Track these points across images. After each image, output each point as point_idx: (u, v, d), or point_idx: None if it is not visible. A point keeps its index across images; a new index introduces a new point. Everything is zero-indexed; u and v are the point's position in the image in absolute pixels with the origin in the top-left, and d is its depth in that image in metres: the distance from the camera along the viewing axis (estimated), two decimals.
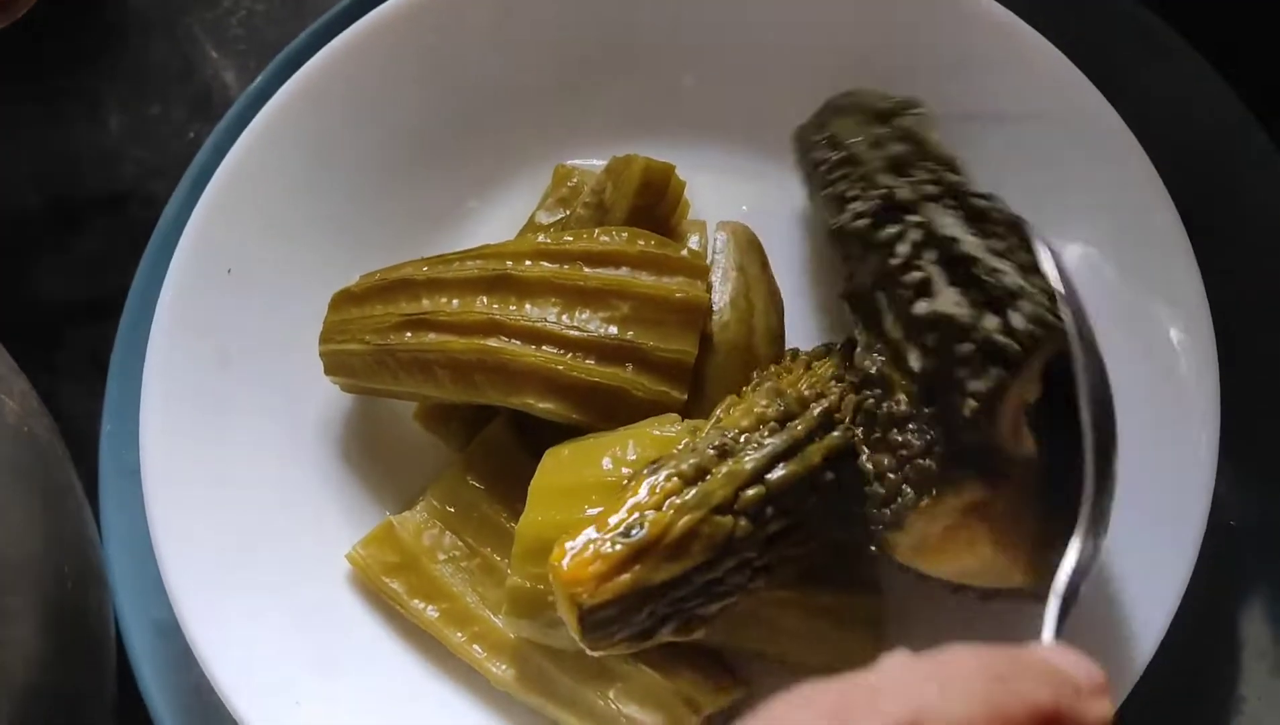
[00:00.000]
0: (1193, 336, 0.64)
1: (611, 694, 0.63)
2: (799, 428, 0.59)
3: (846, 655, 0.63)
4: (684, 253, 0.67)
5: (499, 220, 0.76)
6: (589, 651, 0.55)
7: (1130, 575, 0.61)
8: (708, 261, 0.68)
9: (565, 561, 0.54)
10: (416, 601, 0.67)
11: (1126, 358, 0.63)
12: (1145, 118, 0.67)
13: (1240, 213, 0.72)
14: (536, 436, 0.67)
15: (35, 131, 0.86)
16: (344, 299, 0.69)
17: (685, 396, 0.64)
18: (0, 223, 0.84)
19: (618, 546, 0.54)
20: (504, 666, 0.65)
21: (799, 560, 0.59)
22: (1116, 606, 0.61)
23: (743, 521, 0.56)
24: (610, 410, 0.64)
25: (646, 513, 0.55)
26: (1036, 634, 0.60)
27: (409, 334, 0.66)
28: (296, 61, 0.74)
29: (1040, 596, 0.59)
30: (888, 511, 0.57)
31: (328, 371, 0.69)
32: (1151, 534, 0.61)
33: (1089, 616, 0.60)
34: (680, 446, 0.59)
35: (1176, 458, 0.62)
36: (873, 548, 0.60)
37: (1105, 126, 0.67)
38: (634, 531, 0.55)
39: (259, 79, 0.79)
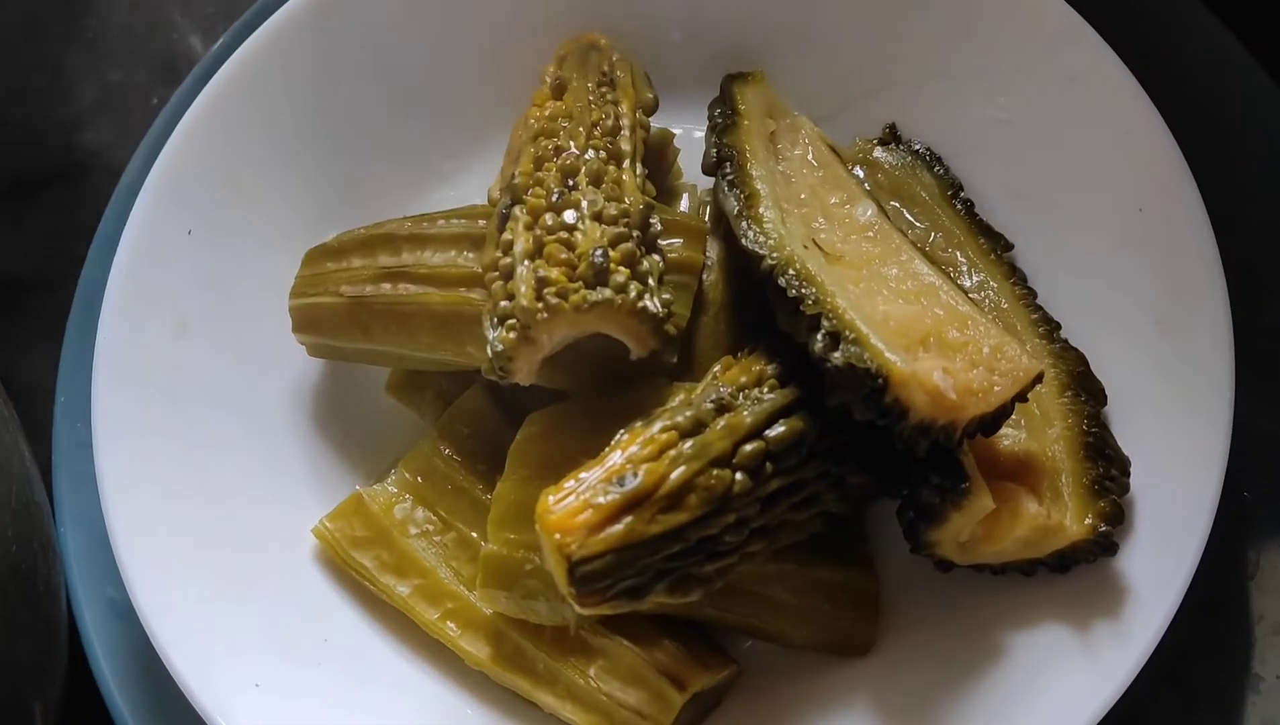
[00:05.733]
0: (1208, 311, 0.61)
1: (592, 672, 0.59)
2: (802, 385, 0.55)
3: (840, 633, 0.60)
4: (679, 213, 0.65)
5: (474, 183, 0.72)
6: (577, 609, 0.52)
7: (1143, 548, 0.58)
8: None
9: (554, 510, 0.51)
10: (387, 577, 0.63)
11: (1139, 328, 0.62)
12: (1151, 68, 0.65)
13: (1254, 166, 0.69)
14: (514, 406, 0.64)
15: None
16: (320, 254, 0.65)
17: (675, 359, 0.61)
18: None
19: (610, 496, 0.51)
20: (479, 644, 0.61)
21: (798, 528, 0.56)
22: (1129, 581, 0.58)
23: (741, 476, 0.52)
24: (597, 371, 0.61)
25: (641, 463, 0.52)
26: (1029, 611, 0.58)
27: (387, 285, 0.62)
28: (259, 24, 0.71)
29: (1110, 548, 0.56)
30: (925, 506, 0.55)
31: (296, 328, 0.65)
32: (1165, 505, 0.59)
33: (1100, 592, 0.58)
34: (674, 402, 0.56)
35: (1190, 427, 0.60)
36: (920, 552, 0.57)
37: (1116, 83, 0.65)
38: (627, 481, 0.51)
39: (220, 41, 0.76)
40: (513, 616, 0.60)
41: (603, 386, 0.61)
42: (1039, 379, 0.54)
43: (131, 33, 0.84)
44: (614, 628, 0.59)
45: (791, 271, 0.56)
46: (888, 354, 0.52)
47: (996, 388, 0.53)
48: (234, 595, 0.62)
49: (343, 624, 0.63)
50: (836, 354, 0.53)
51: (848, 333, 0.53)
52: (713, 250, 0.64)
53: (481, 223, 0.62)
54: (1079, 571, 0.58)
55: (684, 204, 0.68)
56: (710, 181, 0.65)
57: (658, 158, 0.67)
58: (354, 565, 0.63)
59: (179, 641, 0.59)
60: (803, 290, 0.55)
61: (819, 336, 0.54)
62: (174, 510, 0.63)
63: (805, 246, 0.58)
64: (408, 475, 0.64)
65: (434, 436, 0.65)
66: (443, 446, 0.65)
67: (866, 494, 0.58)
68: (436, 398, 0.67)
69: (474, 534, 0.63)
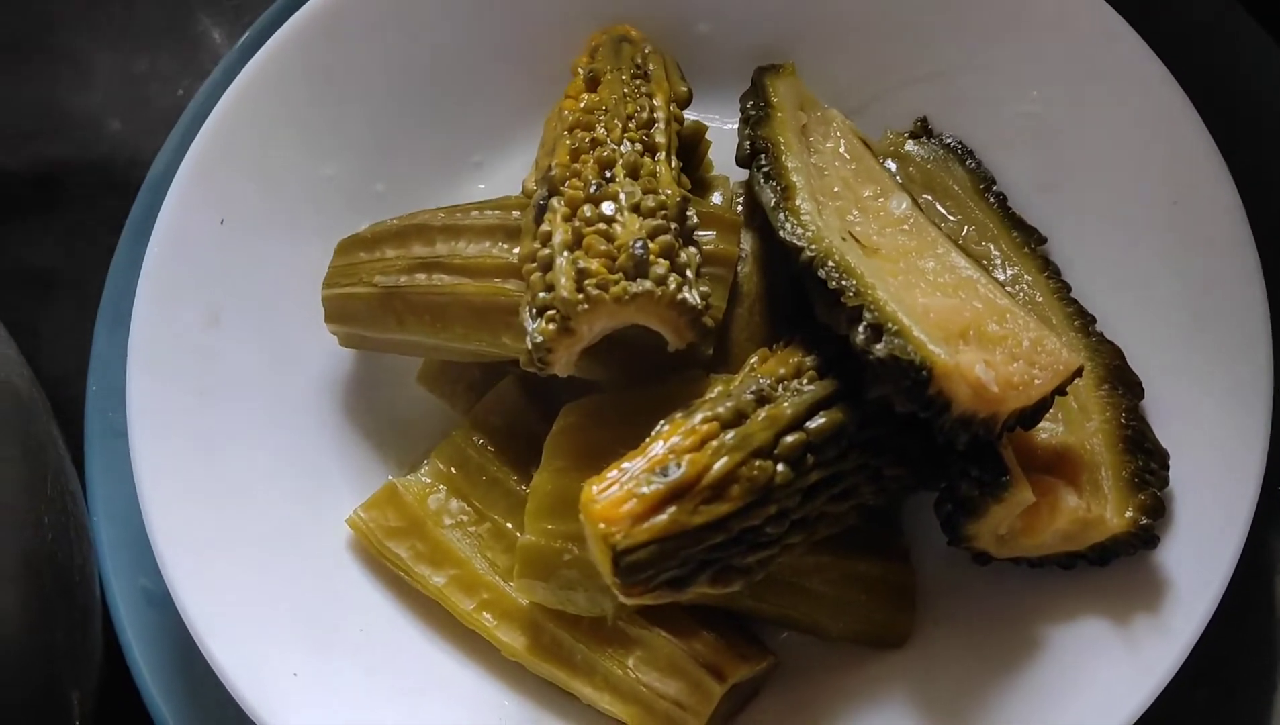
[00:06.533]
0: (1244, 303, 0.61)
1: (630, 662, 0.59)
2: (841, 377, 0.55)
3: (877, 625, 0.60)
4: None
5: (504, 174, 0.72)
6: (621, 599, 0.51)
7: (1181, 542, 0.58)
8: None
9: (598, 500, 0.51)
10: (422, 567, 0.63)
11: (1175, 321, 0.62)
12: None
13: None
14: (547, 397, 0.64)
15: (19, 91, 0.82)
16: (353, 244, 0.65)
17: (711, 351, 0.61)
18: None
19: (654, 486, 0.51)
20: (515, 635, 0.61)
21: (836, 520, 0.56)
22: (1168, 574, 0.58)
23: (782, 467, 0.52)
24: (632, 363, 0.61)
25: (683, 454, 0.51)
26: (1067, 605, 0.58)
27: (422, 276, 0.62)
28: (290, 11, 0.71)
29: (1151, 541, 0.56)
30: (964, 499, 0.55)
31: (328, 319, 0.65)
32: (1204, 498, 0.59)
33: (1139, 586, 0.58)
34: (713, 394, 0.56)
35: (1228, 420, 0.59)
36: (958, 545, 0.57)
37: (1150, 77, 0.64)
38: (670, 471, 0.51)
39: (251, 29, 0.75)
40: (550, 607, 0.60)
41: (637, 378, 0.61)
42: (1079, 373, 0.54)
43: (153, 23, 0.84)
44: (652, 618, 0.59)
45: (831, 263, 0.56)
46: (931, 346, 0.52)
47: (1037, 381, 0.53)
48: (269, 585, 0.62)
49: (378, 614, 0.63)
50: (879, 346, 0.53)
51: (890, 325, 0.53)
52: (746, 242, 0.64)
53: (515, 214, 0.62)
54: (1117, 565, 0.58)
55: (716, 197, 0.67)
56: (742, 174, 0.65)
57: (690, 150, 0.67)
58: (389, 555, 0.63)
59: (218, 632, 0.59)
60: (843, 282, 0.55)
61: (860, 328, 0.53)
62: (208, 500, 0.63)
63: (843, 239, 0.58)
64: (441, 466, 0.64)
65: (467, 427, 0.65)
66: (476, 437, 0.64)
67: (904, 486, 0.58)
68: (468, 388, 0.67)
69: (509, 524, 0.63)
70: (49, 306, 0.77)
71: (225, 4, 0.85)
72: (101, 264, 0.73)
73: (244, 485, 0.64)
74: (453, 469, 0.64)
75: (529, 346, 0.56)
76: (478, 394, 0.66)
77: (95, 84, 0.83)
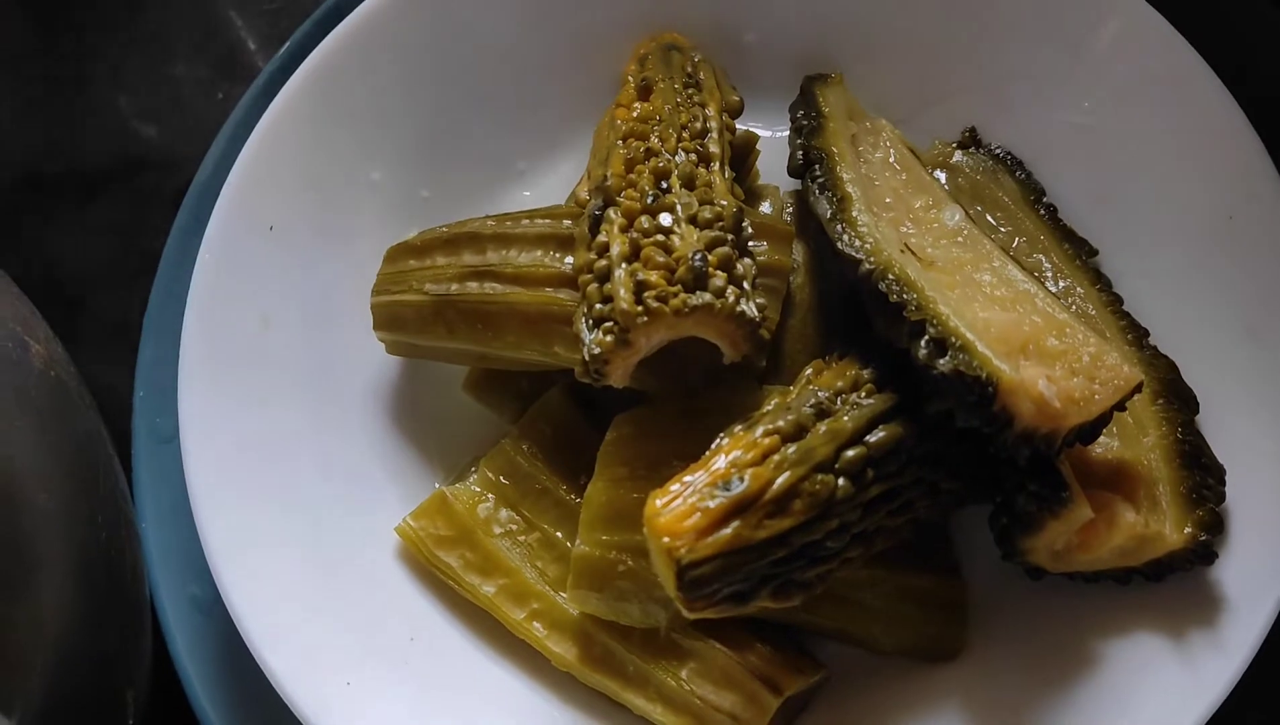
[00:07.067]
0: None
1: (684, 674, 0.59)
2: (899, 390, 0.55)
3: (930, 639, 0.60)
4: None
5: (548, 182, 0.72)
6: (685, 613, 0.51)
7: (1237, 557, 0.58)
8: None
9: (662, 514, 0.50)
10: (472, 577, 0.62)
11: (1231, 335, 0.62)
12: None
13: None
14: (595, 406, 0.64)
15: (54, 96, 0.82)
16: (402, 251, 0.65)
17: (764, 363, 0.61)
18: (19, 189, 0.80)
19: (718, 499, 0.50)
20: (566, 645, 0.61)
21: (894, 533, 0.56)
22: (1224, 590, 0.57)
23: (843, 481, 0.52)
24: (684, 374, 0.60)
25: (745, 468, 0.51)
26: (1122, 620, 0.58)
27: (473, 284, 0.62)
28: (333, 19, 0.71)
29: (1209, 557, 0.56)
30: (1021, 514, 0.55)
31: (377, 326, 0.65)
32: (1259, 513, 0.58)
33: (1195, 601, 0.58)
34: (770, 406, 0.56)
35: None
36: (1012, 559, 0.57)
37: (1204, 89, 0.64)
38: (733, 485, 0.51)
39: (294, 37, 0.75)
40: (603, 618, 0.59)
41: (689, 388, 0.61)
42: (1139, 388, 0.54)
43: (187, 29, 0.84)
44: (705, 630, 0.59)
45: (891, 276, 0.55)
46: (996, 362, 0.52)
47: (1098, 396, 0.53)
48: (320, 593, 0.62)
49: (427, 623, 0.63)
50: (943, 361, 0.52)
51: (953, 340, 0.53)
52: (797, 252, 0.64)
53: (566, 223, 0.62)
54: (1171, 580, 0.58)
55: (765, 206, 0.67)
56: (789, 183, 0.65)
57: (740, 160, 0.67)
58: (439, 564, 0.63)
59: (273, 641, 0.59)
60: (904, 296, 0.55)
61: (923, 343, 0.53)
62: (259, 506, 0.62)
63: (901, 251, 0.58)
64: (490, 474, 0.64)
65: (516, 436, 0.65)
66: (525, 445, 0.64)
67: (957, 500, 0.58)
68: (515, 397, 0.66)
69: (558, 534, 0.63)
70: (85, 313, 0.77)
71: (259, 9, 0.85)
72: (139, 271, 0.73)
73: (293, 492, 0.64)
74: (502, 478, 0.64)
75: (585, 357, 0.56)
76: (525, 402, 0.66)
77: (131, 90, 0.83)
